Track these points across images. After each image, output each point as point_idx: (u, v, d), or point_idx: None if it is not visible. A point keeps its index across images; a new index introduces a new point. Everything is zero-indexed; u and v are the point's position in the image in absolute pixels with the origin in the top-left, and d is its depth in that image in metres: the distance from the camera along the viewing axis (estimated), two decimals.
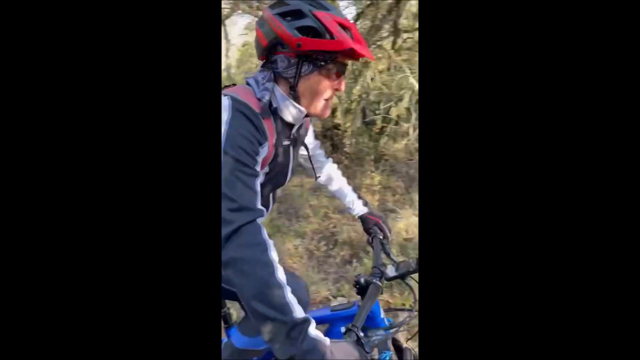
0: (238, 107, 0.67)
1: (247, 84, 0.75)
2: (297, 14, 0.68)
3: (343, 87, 0.76)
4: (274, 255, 0.58)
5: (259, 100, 0.71)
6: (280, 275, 0.57)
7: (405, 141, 2.60)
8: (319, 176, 1.02)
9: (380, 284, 0.76)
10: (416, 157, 3.01)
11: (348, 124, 3.00)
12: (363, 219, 1.02)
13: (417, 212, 2.43)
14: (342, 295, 1.96)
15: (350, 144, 3.12)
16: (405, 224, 2.37)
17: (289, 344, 0.53)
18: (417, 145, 2.62)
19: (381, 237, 0.94)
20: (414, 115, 2.49)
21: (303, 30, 0.67)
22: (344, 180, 1.06)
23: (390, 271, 0.82)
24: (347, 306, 0.85)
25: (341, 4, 2.93)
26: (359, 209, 1.03)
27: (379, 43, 2.45)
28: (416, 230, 2.33)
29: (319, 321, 0.86)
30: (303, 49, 0.67)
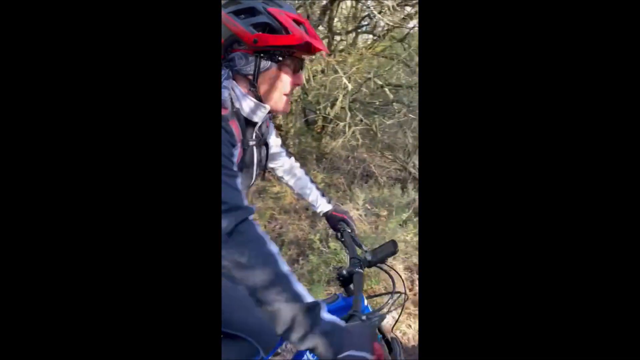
0: None
1: None
2: (251, 12, 0.69)
3: (302, 80, 0.78)
4: (273, 247, 0.60)
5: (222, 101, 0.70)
6: (283, 265, 0.58)
7: (342, 139, 2.71)
8: (270, 170, 1.00)
9: (362, 271, 0.79)
10: (354, 154, 3.15)
11: (290, 125, 3.03)
12: (328, 216, 1.02)
13: (358, 206, 2.56)
14: None
15: (293, 144, 3.16)
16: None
17: (305, 330, 0.54)
18: (353, 142, 2.75)
19: (349, 231, 0.96)
20: (349, 114, 2.60)
21: (258, 26, 0.69)
22: (307, 178, 1.06)
23: (369, 257, 0.84)
24: (330, 300, 0.86)
25: None
26: (323, 206, 1.03)
27: None
28: (358, 224, 2.45)
29: None
30: (260, 44, 0.69)
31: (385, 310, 0.76)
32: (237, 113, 0.74)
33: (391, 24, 2.41)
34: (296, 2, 2.52)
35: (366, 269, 0.83)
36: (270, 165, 1.00)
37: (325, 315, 0.56)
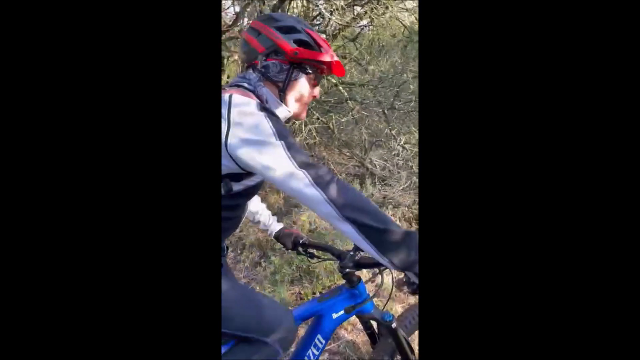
0: (261, 104, 0.75)
1: (239, 86, 0.82)
2: (292, 30, 0.82)
3: (318, 94, 0.91)
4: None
5: (259, 99, 0.80)
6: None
7: (299, 137, 2.71)
8: None
9: (358, 258, 0.85)
10: (313, 152, 3.17)
11: None
12: (282, 234, 1.07)
13: None
14: None
15: None
16: (308, 215, 2.48)
17: (404, 252, 0.63)
18: (310, 141, 2.76)
19: (307, 242, 1.00)
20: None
21: (297, 42, 0.81)
22: (259, 199, 1.11)
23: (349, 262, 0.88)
24: (334, 294, 0.90)
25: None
26: (274, 226, 1.09)
27: None
28: (318, 221, 2.47)
29: (311, 314, 0.88)
30: (299, 57, 0.81)
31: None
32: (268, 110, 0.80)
33: (342, 24, 2.46)
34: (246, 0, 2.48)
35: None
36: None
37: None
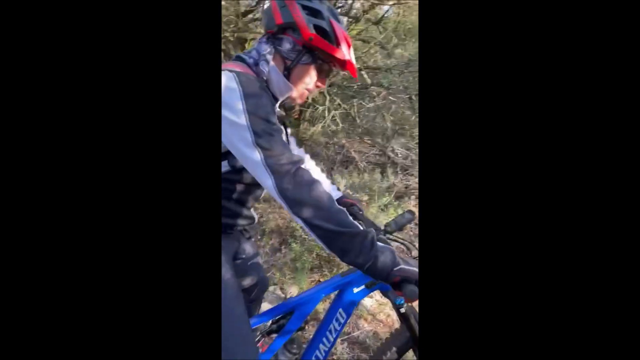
0: (243, 78, 0.73)
1: (240, 59, 0.82)
2: (317, 14, 0.78)
3: (324, 85, 0.90)
4: (325, 186, 0.68)
5: (256, 73, 0.80)
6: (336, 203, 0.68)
7: (322, 124, 2.66)
8: None
9: (386, 238, 0.87)
10: (334, 139, 3.11)
11: None
12: (340, 202, 1.08)
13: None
14: (274, 284, 1.96)
15: None
16: None
17: (365, 252, 0.64)
18: (333, 127, 2.70)
19: (361, 212, 1.04)
20: (327, 98, 2.55)
21: (318, 28, 0.77)
22: (317, 168, 1.13)
23: (392, 225, 0.92)
24: (353, 270, 0.91)
25: None
26: (334, 193, 1.09)
27: None
28: None
29: (334, 288, 0.90)
30: (312, 43, 0.77)
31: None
32: (266, 83, 0.80)
33: (366, 6, 2.35)
34: None
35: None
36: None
37: (379, 241, 0.67)
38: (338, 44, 0.79)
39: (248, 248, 1.04)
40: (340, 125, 2.67)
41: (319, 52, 0.79)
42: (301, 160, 0.69)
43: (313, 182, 0.67)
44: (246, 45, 2.39)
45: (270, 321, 0.95)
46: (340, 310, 0.89)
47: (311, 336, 0.94)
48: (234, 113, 0.69)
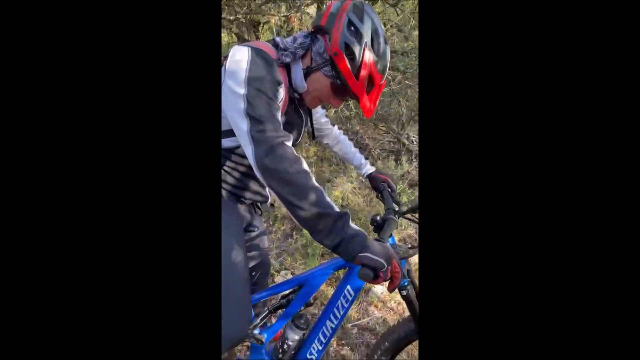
0: (257, 52, 0.74)
1: (272, 42, 0.82)
2: (358, 36, 0.74)
3: (337, 106, 0.86)
4: (305, 166, 0.68)
5: (280, 54, 0.79)
6: (315, 181, 0.67)
7: (334, 111, 2.61)
8: (317, 137, 1.10)
9: (395, 218, 0.89)
10: (347, 125, 3.06)
11: None
12: (372, 177, 1.11)
13: (351, 179, 2.50)
14: (286, 269, 1.96)
15: None
16: (341, 191, 2.42)
17: (334, 233, 0.65)
18: (347, 113, 2.65)
19: (390, 190, 1.05)
20: None
21: (348, 49, 0.74)
22: (350, 144, 1.16)
23: (409, 205, 0.94)
24: None
25: None
26: (367, 168, 1.13)
27: (303, 8, 2.37)
28: (351, 197, 2.41)
29: (343, 265, 0.91)
30: (335, 59, 0.75)
31: (412, 251, 0.85)
32: (287, 66, 0.80)
33: None
34: None
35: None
36: (317, 133, 1.08)
37: (353, 225, 0.66)
38: (357, 76, 0.75)
39: (258, 224, 1.03)
40: (354, 110, 2.62)
41: (339, 72, 0.76)
42: (287, 137, 0.69)
43: (293, 159, 0.67)
44: (259, 28, 2.36)
45: (280, 295, 0.94)
46: (348, 287, 0.88)
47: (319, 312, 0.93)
48: (236, 82, 0.70)
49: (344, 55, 0.74)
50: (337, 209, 0.66)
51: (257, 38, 2.33)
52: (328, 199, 0.67)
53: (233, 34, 2.70)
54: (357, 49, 0.74)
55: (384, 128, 3.04)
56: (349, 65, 0.74)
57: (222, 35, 3.45)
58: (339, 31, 0.74)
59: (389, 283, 0.68)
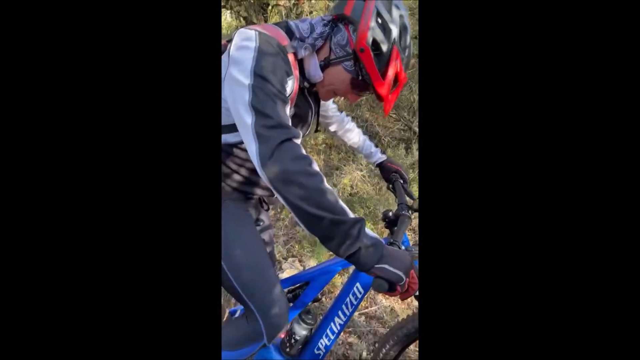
0: (265, 38, 0.67)
1: (284, 26, 0.75)
2: (386, 32, 0.68)
3: (354, 101, 0.80)
4: (316, 166, 0.62)
5: (297, 45, 0.72)
6: (326, 184, 0.61)
7: (342, 99, 2.55)
8: (323, 126, 1.04)
9: (408, 214, 0.85)
10: (356, 112, 3.00)
11: None
12: (383, 166, 1.06)
13: (360, 167, 2.47)
14: (293, 256, 1.97)
15: None
16: (350, 179, 2.40)
17: (349, 242, 0.58)
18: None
19: (402, 182, 1.00)
20: None
21: (374, 45, 0.68)
22: (359, 131, 1.09)
23: (415, 205, 0.90)
24: None
25: None
26: (378, 156, 1.07)
27: None
28: (360, 185, 2.38)
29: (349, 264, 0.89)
30: (360, 55, 0.68)
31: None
32: (297, 52, 0.73)
33: None
34: None
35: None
36: (324, 120, 1.02)
37: (368, 231, 0.60)
38: (384, 76, 0.69)
39: (264, 218, 1.02)
40: (364, 97, 2.55)
41: (363, 68, 0.70)
42: (295, 134, 0.62)
43: (301, 157, 0.60)
44: (268, 10, 2.29)
45: (287, 290, 0.94)
46: (358, 284, 0.86)
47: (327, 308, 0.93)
48: (242, 71, 0.64)
49: (371, 53, 0.67)
50: (351, 215, 0.60)
51: (265, 21, 2.26)
52: (342, 203, 0.60)
53: (241, 17, 2.63)
54: (385, 47, 0.68)
55: (394, 115, 2.97)
56: (375, 63, 0.68)
57: (229, 18, 3.37)
58: (367, 25, 0.67)
59: (404, 293, 0.63)
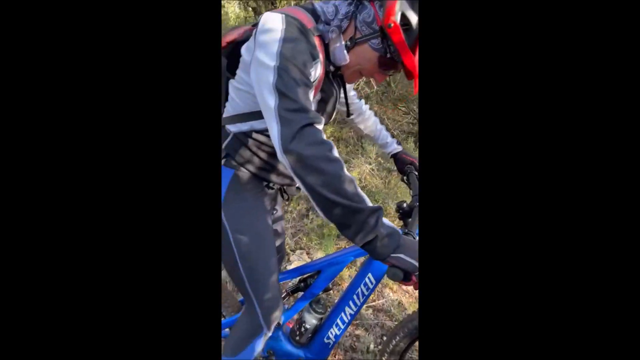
0: (291, 21, 0.66)
1: (308, 9, 0.73)
2: (415, 3, 0.65)
3: (381, 81, 0.77)
4: (337, 153, 0.61)
5: (323, 28, 0.71)
6: (346, 171, 0.60)
7: (354, 86, 2.52)
8: (352, 115, 1.01)
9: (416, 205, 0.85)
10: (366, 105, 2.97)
11: None
12: (397, 157, 1.03)
13: (369, 160, 2.45)
14: (300, 248, 1.97)
15: None
16: (359, 172, 2.38)
17: (366, 230, 0.58)
18: (367, 91, 2.56)
19: (416, 174, 0.98)
20: None
21: (404, 19, 0.64)
22: (377, 120, 1.06)
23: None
24: None
25: None
26: (393, 147, 1.05)
27: None
28: (369, 178, 2.37)
29: (361, 254, 0.89)
30: (389, 31, 0.65)
31: None
32: (324, 36, 0.72)
33: None
34: None
35: None
36: (342, 107, 0.99)
37: (385, 220, 0.60)
38: (414, 51, 0.66)
39: (278, 209, 1.01)
40: (375, 88, 2.52)
41: (391, 45, 0.67)
42: (318, 119, 0.61)
43: (322, 142, 0.59)
44: (277, 1, 2.26)
45: (298, 279, 0.94)
46: (370, 275, 0.86)
47: (337, 299, 0.93)
48: (267, 54, 0.63)
49: (400, 28, 0.64)
50: (369, 203, 0.59)
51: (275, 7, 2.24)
52: (361, 191, 0.60)
53: (250, 8, 2.60)
54: (414, 19, 0.64)
55: (403, 108, 2.94)
56: (405, 39, 0.64)
57: (237, 9, 3.34)
58: (394, 4, 0.64)
59: (418, 283, 0.62)
